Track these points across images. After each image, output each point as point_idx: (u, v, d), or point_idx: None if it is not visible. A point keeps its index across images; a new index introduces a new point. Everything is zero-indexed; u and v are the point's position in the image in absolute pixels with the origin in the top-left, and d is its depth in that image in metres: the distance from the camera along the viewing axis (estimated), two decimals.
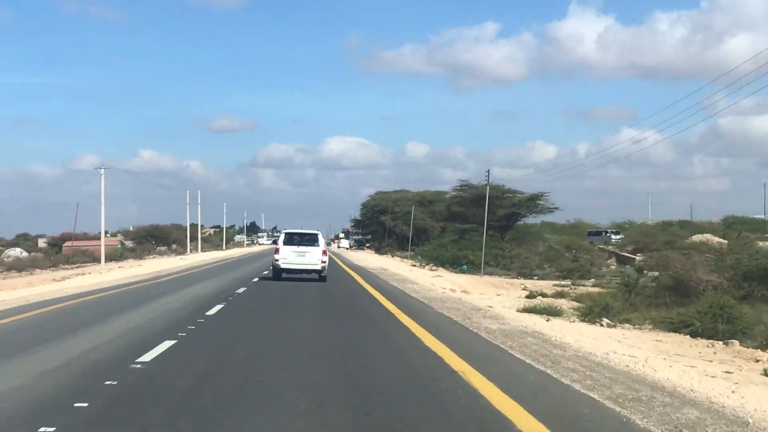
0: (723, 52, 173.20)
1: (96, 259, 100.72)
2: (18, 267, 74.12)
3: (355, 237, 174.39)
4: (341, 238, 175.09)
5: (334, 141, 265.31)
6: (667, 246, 57.91)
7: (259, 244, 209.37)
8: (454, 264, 57.77)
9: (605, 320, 24.45)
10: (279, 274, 34.35)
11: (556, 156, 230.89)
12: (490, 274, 52.08)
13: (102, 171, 78.92)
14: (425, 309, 22.50)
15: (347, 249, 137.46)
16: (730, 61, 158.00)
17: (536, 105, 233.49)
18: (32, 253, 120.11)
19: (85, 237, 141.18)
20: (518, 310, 27.88)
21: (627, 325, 23.57)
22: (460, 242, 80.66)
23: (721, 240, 70.61)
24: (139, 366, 11.53)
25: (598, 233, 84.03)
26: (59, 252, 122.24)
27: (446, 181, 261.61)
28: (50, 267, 77.28)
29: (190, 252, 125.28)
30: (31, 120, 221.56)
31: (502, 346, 14.80)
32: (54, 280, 43.16)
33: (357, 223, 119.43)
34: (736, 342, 18.92)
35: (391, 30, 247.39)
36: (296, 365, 11.99)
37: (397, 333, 16.52)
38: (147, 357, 12.31)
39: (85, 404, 8.84)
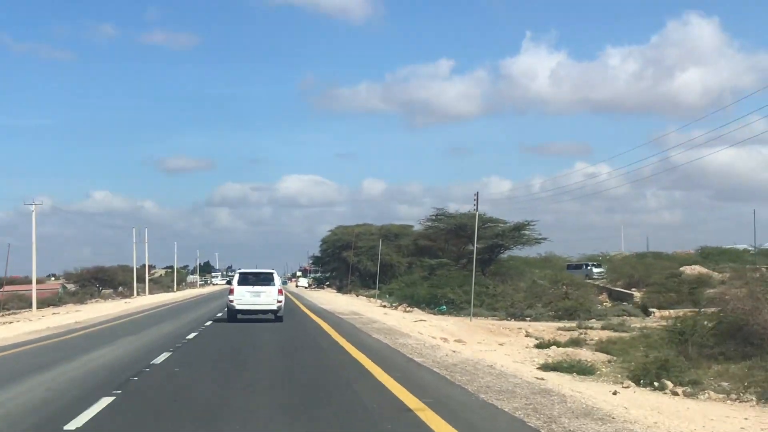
0: (674, 87, 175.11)
1: (42, 303, 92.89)
2: None
3: (314, 275, 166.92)
4: (299, 277, 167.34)
5: (290, 179, 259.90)
6: (671, 280, 51.64)
7: (213, 285, 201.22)
8: (431, 304, 50.86)
9: (678, 388, 17.61)
10: (234, 315, 33.50)
11: (511, 190, 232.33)
12: (475, 315, 45.27)
13: (33, 208, 71.06)
14: (459, 395, 13.23)
15: (306, 288, 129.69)
16: (681, 95, 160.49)
17: (491, 140, 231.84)
18: None
19: (26, 281, 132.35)
20: (538, 367, 21.31)
21: (710, 394, 16.79)
22: (431, 278, 74.18)
23: (711, 272, 64.84)
24: None
25: (578, 266, 77.78)
26: None
27: (403, 217, 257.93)
28: None
29: (138, 295, 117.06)
30: None
31: None
32: None
33: (316, 260, 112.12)
34: None
35: (346, 68, 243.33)
36: None
37: None
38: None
39: None
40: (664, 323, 29.48)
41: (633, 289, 55.29)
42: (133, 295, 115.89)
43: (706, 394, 16.69)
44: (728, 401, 15.90)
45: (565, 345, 28.01)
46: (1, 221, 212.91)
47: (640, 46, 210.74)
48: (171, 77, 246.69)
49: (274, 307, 32.70)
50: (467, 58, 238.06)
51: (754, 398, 15.78)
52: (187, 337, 25.50)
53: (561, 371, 20.95)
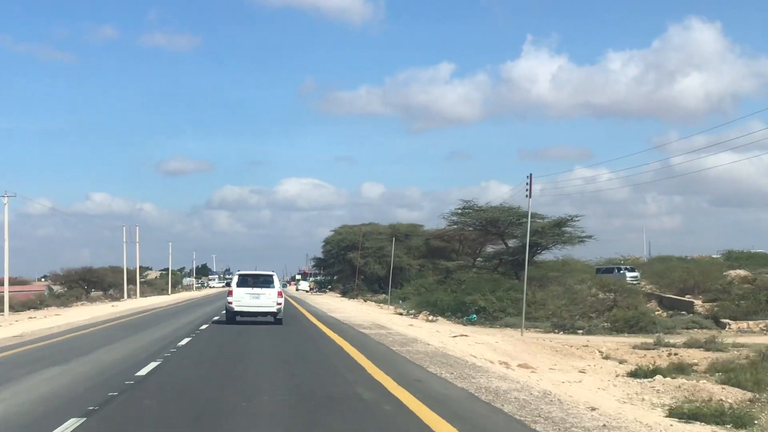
0: (675, 91, 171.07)
1: (22, 306, 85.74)
2: None
3: (314, 278, 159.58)
4: (299, 280, 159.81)
5: (289, 182, 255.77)
6: (738, 286, 44.37)
7: (210, 287, 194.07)
8: (457, 312, 43.52)
9: None
10: (233, 317, 33.28)
11: (510, 196, 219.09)
12: (513, 326, 37.97)
13: (5, 200, 63.59)
14: None
15: (307, 292, 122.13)
16: (682, 99, 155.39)
17: (491, 145, 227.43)
18: None
19: (15, 281, 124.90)
20: (666, 414, 14.36)
21: None
22: (447, 283, 67.15)
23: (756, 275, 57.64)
24: None
25: (609, 270, 70.27)
26: None
27: (401, 221, 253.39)
28: None
29: (128, 297, 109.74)
30: None
31: None
32: None
33: (319, 263, 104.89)
34: None
35: (346, 72, 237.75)
36: None
37: None
38: None
39: None
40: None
41: (687, 296, 47.93)
42: (122, 297, 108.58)
43: None
44: None
45: (668, 372, 20.69)
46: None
47: (641, 50, 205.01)
48: (171, 79, 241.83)
49: (274, 310, 32.30)
50: (468, 62, 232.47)
51: None
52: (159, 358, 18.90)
53: (704, 420, 13.77)
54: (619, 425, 11.45)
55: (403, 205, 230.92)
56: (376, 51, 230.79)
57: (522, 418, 11.39)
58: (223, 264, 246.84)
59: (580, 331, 35.85)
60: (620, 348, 27.51)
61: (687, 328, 36.37)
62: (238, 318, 33.12)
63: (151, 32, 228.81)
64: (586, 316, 37.62)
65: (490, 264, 53.01)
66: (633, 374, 20.39)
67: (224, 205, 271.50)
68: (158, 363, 18.22)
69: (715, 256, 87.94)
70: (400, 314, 48.13)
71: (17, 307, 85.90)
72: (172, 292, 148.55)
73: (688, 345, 28.53)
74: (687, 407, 15.08)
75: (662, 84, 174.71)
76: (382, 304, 64.57)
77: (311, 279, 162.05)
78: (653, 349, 27.33)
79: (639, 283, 59.90)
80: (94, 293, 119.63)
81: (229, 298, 33.32)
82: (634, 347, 27.87)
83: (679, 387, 18.27)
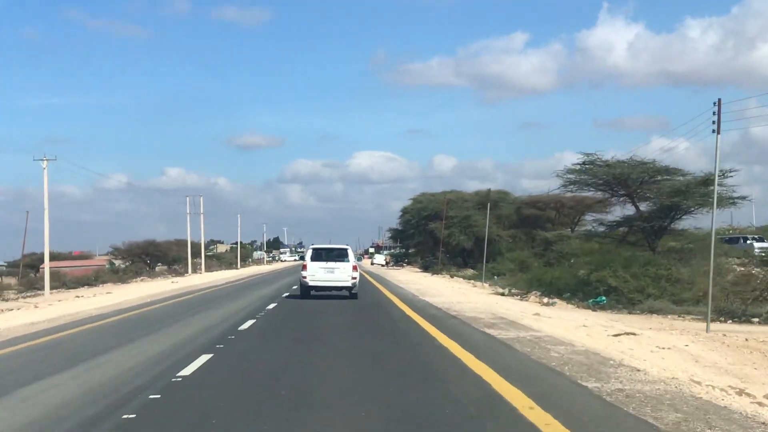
0: (756, 58, 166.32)
1: (76, 282, 79.77)
2: None
3: (388, 251, 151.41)
4: (374, 253, 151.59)
5: (361, 155, 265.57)
6: None
7: (282, 261, 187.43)
8: (578, 293, 34.43)
9: None
10: (307, 291, 32.75)
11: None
12: (659, 312, 28.92)
13: (44, 164, 56.20)
14: None
15: (383, 266, 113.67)
16: (762, 66, 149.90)
17: (565, 115, 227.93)
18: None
19: (71, 256, 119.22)
20: None
21: None
22: (545, 255, 58.43)
23: None
24: None
25: (734, 240, 60.38)
26: (37, 273, 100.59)
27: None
28: None
29: (194, 272, 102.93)
30: (59, 140, 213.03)
31: None
32: None
33: (395, 234, 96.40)
34: None
35: (418, 43, 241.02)
36: None
37: None
38: None
39: None
40: None
41: None
42: (186, 272, 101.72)
43: None
44: None
45: None
46: (77, 197, 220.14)
47: (720, 17, 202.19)
48: (243, 53, 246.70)
49: (349, 284, 32.23)
50: (542, 31, 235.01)
51: None
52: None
53: None
54: None
55: (476, 177, 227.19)
56: (448, 21, 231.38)
57: None
58: (296, 237, 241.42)
59: (756, 320, 26.65)
60: None
61: None
62: (313, 293, 32.61)
63: (222, 6, 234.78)
64: (759, 300, 28.27)
65: (613, 233, 43.55)
66: None
67: (297, 178, 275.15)
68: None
69: None
70: (501, 294, 39.32)
71: (70, 284, 79.54)
72: (242, 267, 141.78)
73: None
74: None
75: (741, 51, 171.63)
76: (472, 281, 55.79)
77: (386, 252, 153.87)
78: None
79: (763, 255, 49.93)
80: (159, 268, 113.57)
81: (304, 273, 32.76)
82: None
83: None
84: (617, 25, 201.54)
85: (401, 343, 16.20)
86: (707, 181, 35.28)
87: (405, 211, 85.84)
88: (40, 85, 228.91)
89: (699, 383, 11.78)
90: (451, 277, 62.21)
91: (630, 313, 29.78)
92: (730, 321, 26.79)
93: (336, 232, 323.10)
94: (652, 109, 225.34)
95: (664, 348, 16.24)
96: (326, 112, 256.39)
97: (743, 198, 39.02)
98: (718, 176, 28.04)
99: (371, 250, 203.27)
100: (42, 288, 77.60)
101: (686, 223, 40.94)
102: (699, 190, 36.99)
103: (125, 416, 9.24)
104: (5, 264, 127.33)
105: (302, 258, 41.24)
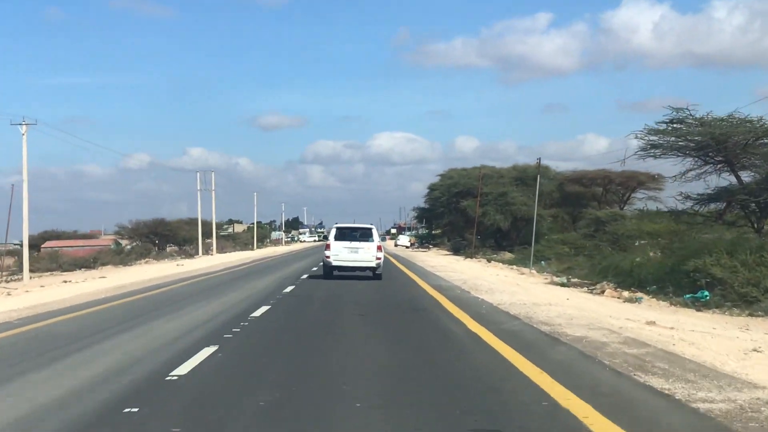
0: None
1: (73, 264, 73.05)
2: None
3: (410, 233, 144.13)
4: (397, 234, 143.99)
5: (382, 137, 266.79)
6: None
7: (301, 242, 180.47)
8: (666, 286, 26.71)
9: None
10: (330, 272, 32.12)
11: (608, 148, 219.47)
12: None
13: (23, 128, 48.92)
14: None
15: (407, 248, 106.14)
16: None
17: (588, 97, 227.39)
18: None
19: (75, 235, 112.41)
20: None
21: None
22: (595, 238, 51.09)
23: None
24: None
25: None
26: (38, 253, 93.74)
27: None
28: None
29: (205, 254, 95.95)
30: (81, 119, 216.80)
31: None
32: None
33: (422, 213, 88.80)
34: None
35: (441, 23, 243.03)
36: None
37: None
38: None
39: None
40: None
41: None
42: (197, 254, 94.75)
43: None
44: None
45: None
46: (100, 177, 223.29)
47: None
48: (265, 34, 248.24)
49: (373, 264, 31.38)
50: (566, 11, 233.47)
51: None
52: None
53: None
54: None
55: (497, 159, 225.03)
56: (472, 1, 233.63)
57: None
58: (316, 217, 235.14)
59: None
60: None
61: None
62: (336, 273, 32.02)
63: None
64: None
65: (705, 210, 35.75)
66: None
67: (318, 159, 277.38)
68: None
69: None
70: (561, 285, 31.75)
71: (66, 266, 72.57)
72: (258, 247, 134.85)
73: None
74: None
75: None
76: (514, 267, 48.23)
77: (409, 233, 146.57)
78: None
79: None
80: (170, 248, 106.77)
81: (327, 252, 32.27)
82: None
83: None
84: (642, 5, 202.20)
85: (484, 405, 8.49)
86: None
87: (433, 188, 78.13)
88: (63, 65, 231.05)
89: None
90: (488, 261, 54.62)
91: (751, 314, 22.16)
92: None
93: (356, 213, 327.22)
94: (676, 90, 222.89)
95: None
96: (348, 93, 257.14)
97: None
98: None
99: (393, 230, 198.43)
100: (38, 270, 70.89)
101: None
102: None
103: None
104: (19, 243, 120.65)
105: (325, 238, 40.02)
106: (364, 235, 32.21)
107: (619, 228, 50.89)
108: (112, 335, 14.56)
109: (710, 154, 31.67)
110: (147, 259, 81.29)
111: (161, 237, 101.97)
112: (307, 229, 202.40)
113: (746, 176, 31.71)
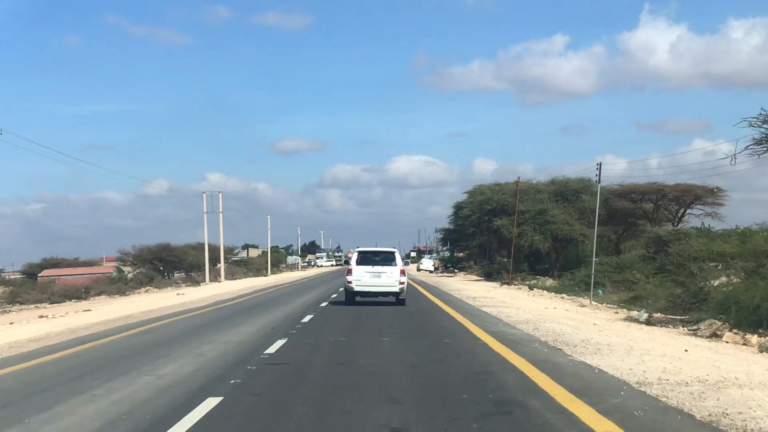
0: None
1: (63, 295, 66.79)
2: None
3: (430, 255, 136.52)
4: (420, 258, 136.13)
5: (400, 160, 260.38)
6: None
7: (318, 266, 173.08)
8: None
9: None
10: (352, 297, 31.37)
11: (626, 169, 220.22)
12: None
13: None
14: None
15: (431, 273, 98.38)
16: None
17: (606, 118, 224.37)
18: None
19: (76, 263, 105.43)
20: None
21: None
22: (657, 259, 44.05)
23: None
24: None
25: None
26: (35, 282, 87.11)
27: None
28: None
29: (213, 280, 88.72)
30: (100, 146, 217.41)
31: None
32: None
33: (448, 235, 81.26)
34: None
35: (459, 46, 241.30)
36: None
37: None
38: None
39: None
40: None
41: None
42: (204, 281, 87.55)
43: None
44: None
45: None
46: (120, 203, 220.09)
47: (764, 18, 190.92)
48: (284, 58, 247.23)
49: (396, 289, 30.43)
50: (583, 33, 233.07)
51: None
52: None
53: None
54: None
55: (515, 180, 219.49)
56: (489, 24, 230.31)
57: None
58: (333, 241, 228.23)
59: None
60: None
61: None
62: (358, 299, 31.16)
63: (264, 12, 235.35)
64: None
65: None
66: None
67: (336, 183, 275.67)
68: None
69: None
70: (638, 321, 24.22)
71: (55, 297, 65.84)
72: (272, 272, 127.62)
73: None
74: None
75: None
76: (564, 296, 40.72)
77: (432, 256, 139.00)
78: None
79: None
80: (178, 275, 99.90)
81: (348, 277, 31.21)
82: None
83: None
84: (659, 26, 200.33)
85: None
86: None
87: (460, 206, 70.54)
88: (82, 92, 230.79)
89: None
90: (530, 289, 46.97)
91: None
92: None
93: (375, 237, 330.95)
94: (695, 111, 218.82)
95: None
96: (366, 116, 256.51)
97: None
98: None
99: (412, 254, 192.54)
100: (27, 301, 64.20)
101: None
102: None
103: None
104: (21, 271, 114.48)
105: (346, 262, 40.05)
106: (387, 259, 31.32)
107: (685, 249, 43.34)
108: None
109: None
110: (148, 288, 74.34)
111: (166, 263, 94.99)
112: (325, 253, 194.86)
113: None
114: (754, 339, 19.66)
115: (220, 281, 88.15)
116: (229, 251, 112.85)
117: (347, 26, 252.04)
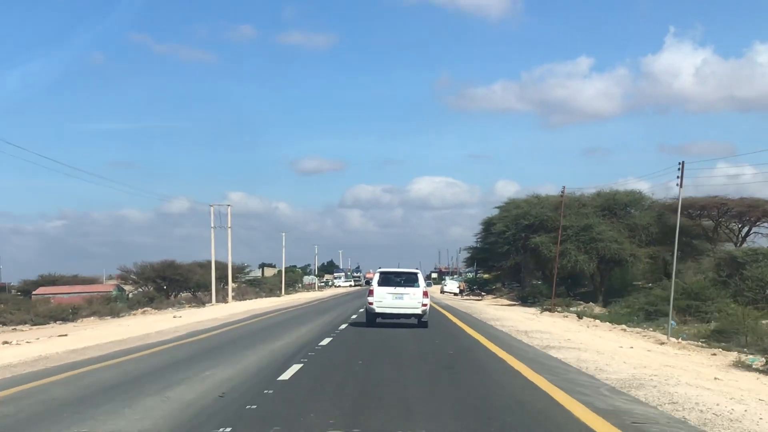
0: None
1: (49, 316, 60.35)
2: None
3: (455, 278, 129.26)
4: (444, 279, 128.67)
5: (422, 181, 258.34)
6: None
7: (335, 287, 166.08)
8: None
9: None
10: (373, 319, 30.64)
11: (649, 192, 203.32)
12: None
13: None
14: None
15: (456, 295, 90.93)
16: None
17: (630, 140, 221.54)
18: None
19: (75, 280, 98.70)
20: None
21: None
22: (728, 287, 37.19)
23: None
24: None
25: None
26: (29, 300, 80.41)
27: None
28: None
29: (218, 302, 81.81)
30: (122, 163, 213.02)
31: None
32: None
33: (476, 254, 74.03)
34: None
35: (482, 67, 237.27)
36: None
37: None
38: None
39: None
40: None
41: None
42: (210, 301, 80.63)
43: None
44: None
45: None
46: (140, 222, 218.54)
47: None
48: (307, 78, 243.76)
49: (419, 311, 29.49)
50: (607, 56, 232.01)
51: None
52: None
53: None
54: None
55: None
56: (512, 45, 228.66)
57: None
58: (353, 261, 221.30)
59: None
60: None
61: None
62: (379, 320, 30.39)
63: (288, 31, 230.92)
64: None
65: None
66: None
67: (357, 203, 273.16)
68: None
69: None
70: (762, 371, 17.11)
71: (38, 318, 59.11)
72: (287, 293, 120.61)
73: None
74: None
75: None
76: (625, 327, 33.48)
77: (455, 277, 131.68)
78: None
79: None
80: (185, 294, 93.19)
81: (370, 298, 30.35)
82: None
83: None
84: (684, 49, 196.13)
85: None
86: None
87: (489, 222, 63.29)
88: (105, 110, 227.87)
89: None
90: (579, 318, 39.62)
91: None
92: None
93: (395, 257, 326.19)
94: (720, 134, 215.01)
95: None
96: (388, 136, 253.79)
97: None
98: None
99: (434, 275, 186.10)
100: (11, 321, 57.60)
101: None
102: None
103: None
104: (17, 287, 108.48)
105: (368, 283, 41.22)
106: (410, 280, 30.43)
107: (765, 272, 36.26)
108: None
109: None
110: (145, 309, 67.58)
111: (171, 282, 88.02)
112: (343, 273, 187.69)
113: None
114: None
115: (227, 302, 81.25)
116: (239, 270, 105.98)
117: (370, 46, 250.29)
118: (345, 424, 9.75)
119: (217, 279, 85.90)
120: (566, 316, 40.74)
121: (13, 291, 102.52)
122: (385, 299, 29.82)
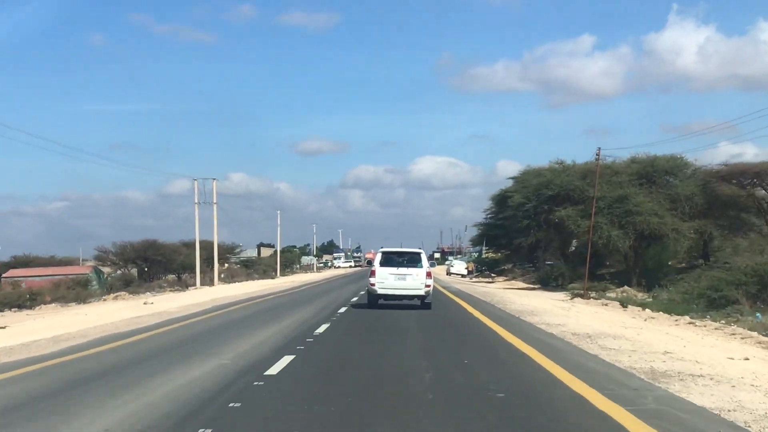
0: None
1: (4, 303, 54.47)
2: None
3: (462, 257, 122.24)
4: (451, 259, 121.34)
5: (423, 161, 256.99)
6: None
7: (335, 268, 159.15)
8: None
9: None
10: (375, 300, 30.37)
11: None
12: None
13: None
14: None
15: (464, 277, 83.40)
16: None
17: (632, 119, 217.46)
18: None
19: (51, 261, 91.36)
20: None
21: None
22: None
23: None
24: None
25: None
26: None
27: None
28: None
29: (205, 284, 74.66)
30: (124, 145, 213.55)
31: None
32: None
33: (486, 230, 66.73)
34: None
35: (484, 47, 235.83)
36: None
37: None
38: None
39: None
40: None
41: None
42: (194, 285, 73.51)
43: None
44: None
45: None
46: (143, 203, 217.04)
47: None
48: (308, 58, 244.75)
49: (422, 292, 29.16)
50: (610, 34, 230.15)
51: None
52: None
53: None
54: None
55: None
56: (514, 24, 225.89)
57: None
58: (353, 241, 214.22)
59: None
60: None
61: None
62: (381, 301, 29.92)
63: (289, 12, 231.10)
64: None
65: None
66: None
67: (358, 184, 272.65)
68: None
69: None
70: None
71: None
72: (284, 274, 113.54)
73: None
74: None
75: None
76: (689, 319, 26.15)
77: (460, 257, 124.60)
78: None
79: None
80: (170, 276, 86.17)
81: (372, 279, 29.85)
82: None
83: None
84: (687, 27, 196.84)
85: None
86: None
87: (504, 194, 55.86)
88: (106, 91, 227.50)
89: None
90: (624, 306, 32.19)
91: None
92: None
93: (396, 237, 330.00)
94: (722, 113, 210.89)
95: None
96: (390, 117, 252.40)
97: None
98: None
99: (436, 255, 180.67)
100: None
101: None
102: None
103: None
104: None
105: (368, 263, 36.53)
106: (412, 260, 29.98)
107: None
108: None
109: None
110: (119, 293, 60.47)
111: (153, 263, 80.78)
112: (343, 254, 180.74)
113: None
114: None
115: (212, 286, 74.05)
116: (229, 250, 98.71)
117: (372, 26, 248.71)
118: None
119: (204, 260, 78.76)
120: (606, 305, 33.38)
121: None
122: (388, 280, 29.38)
